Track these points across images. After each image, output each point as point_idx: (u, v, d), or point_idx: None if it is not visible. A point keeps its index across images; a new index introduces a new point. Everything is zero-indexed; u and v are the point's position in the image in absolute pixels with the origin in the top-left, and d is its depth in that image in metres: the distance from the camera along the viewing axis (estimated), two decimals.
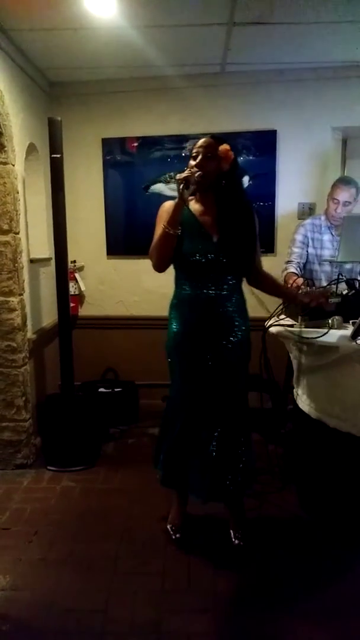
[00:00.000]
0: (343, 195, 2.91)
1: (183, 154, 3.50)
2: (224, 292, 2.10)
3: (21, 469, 3.00)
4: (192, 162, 2.03)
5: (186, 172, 1.97)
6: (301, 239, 3.05)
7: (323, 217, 3.08)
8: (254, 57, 3.18)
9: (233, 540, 2.28)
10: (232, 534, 2.30)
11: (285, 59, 3.21)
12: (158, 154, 3.59)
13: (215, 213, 2.11)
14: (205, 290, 2.09)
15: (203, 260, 2.06)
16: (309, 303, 2.15)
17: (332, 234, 3.03)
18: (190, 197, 2.08)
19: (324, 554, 2.21)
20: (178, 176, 1.97)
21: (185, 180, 1.94)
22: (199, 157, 2.01)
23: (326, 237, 3.03)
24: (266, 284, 2.24)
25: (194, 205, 2.13)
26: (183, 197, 1.95)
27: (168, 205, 2.12)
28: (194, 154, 2.05)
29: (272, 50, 3.07)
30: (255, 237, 2.16)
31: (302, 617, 1.86)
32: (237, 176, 2.18)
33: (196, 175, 1.96)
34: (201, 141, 2.06)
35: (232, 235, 2.07)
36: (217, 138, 2.07)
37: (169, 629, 1.82)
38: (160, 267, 2.12)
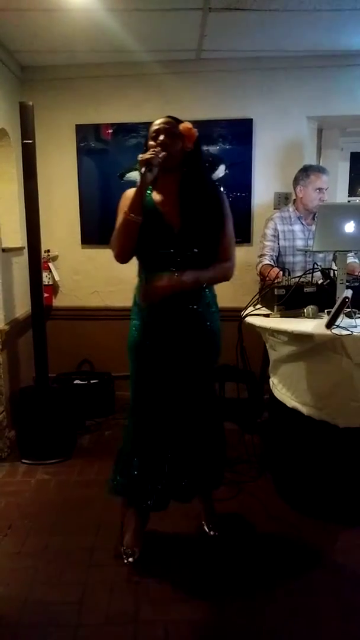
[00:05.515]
0: (325, 182, 2.97)
1: None
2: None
3: None
4: (152, 143, 1.84)
5: (148, 153, 1.77)
6: (272, 232, 3.05)
7: (292, 208, 3.09)
8: (230, 44, 3.14)
9: (208, 531, 2.27)
10: (205, 524, 2.29)
11: (261, 46, 3.18)
12: (133, 142, 3.53)
13: (178, 202, 1.92)
14: None
15: (163, 253, 1.89)
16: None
17: (302, 223, 3.04)
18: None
19: (300, 542, 2.23)
20: (140, 157, 1.78)
21: (148, 163, 1.75)
22: (161, 136, 1.83)
23: (297, 227, 3.04)
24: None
25: (155, 195, 1.95)
26: (146, 180, 1.76)
27: (130, 192, 1.89)
28: (152, 134, 1.86)
29: (248, 37, 3.04)
30: (223, 226, 1.95)
31: (280, 602, 1.88)
32: (201, 159, 1.97)
33: (160, 156, 1.78)
34: (159, 120, 1.88)
35: (194, 227, 1.89)
36: (175, 118, 1.91)
37: (146, 618, 1.81)
38: (122, 258, 1.91)
